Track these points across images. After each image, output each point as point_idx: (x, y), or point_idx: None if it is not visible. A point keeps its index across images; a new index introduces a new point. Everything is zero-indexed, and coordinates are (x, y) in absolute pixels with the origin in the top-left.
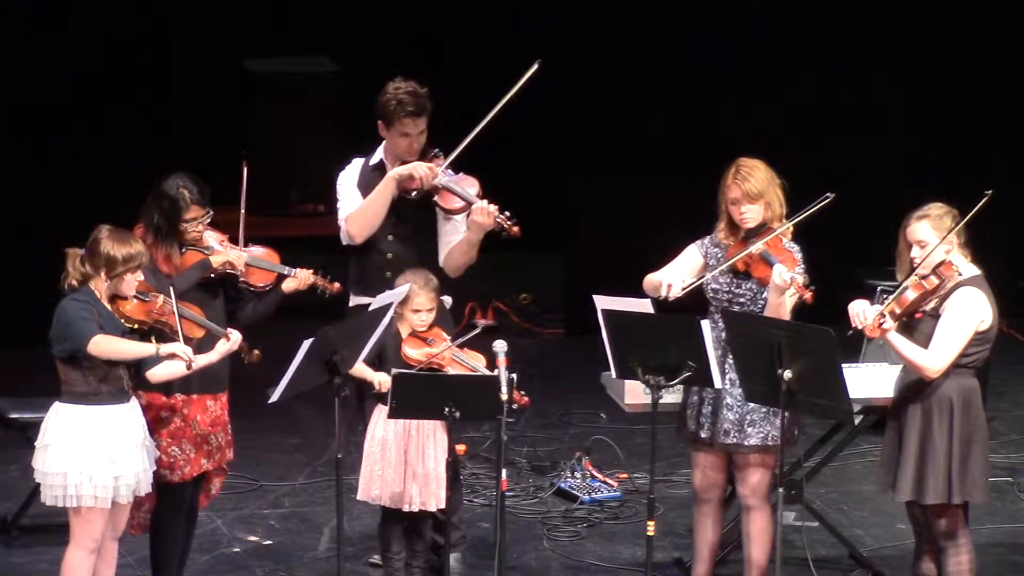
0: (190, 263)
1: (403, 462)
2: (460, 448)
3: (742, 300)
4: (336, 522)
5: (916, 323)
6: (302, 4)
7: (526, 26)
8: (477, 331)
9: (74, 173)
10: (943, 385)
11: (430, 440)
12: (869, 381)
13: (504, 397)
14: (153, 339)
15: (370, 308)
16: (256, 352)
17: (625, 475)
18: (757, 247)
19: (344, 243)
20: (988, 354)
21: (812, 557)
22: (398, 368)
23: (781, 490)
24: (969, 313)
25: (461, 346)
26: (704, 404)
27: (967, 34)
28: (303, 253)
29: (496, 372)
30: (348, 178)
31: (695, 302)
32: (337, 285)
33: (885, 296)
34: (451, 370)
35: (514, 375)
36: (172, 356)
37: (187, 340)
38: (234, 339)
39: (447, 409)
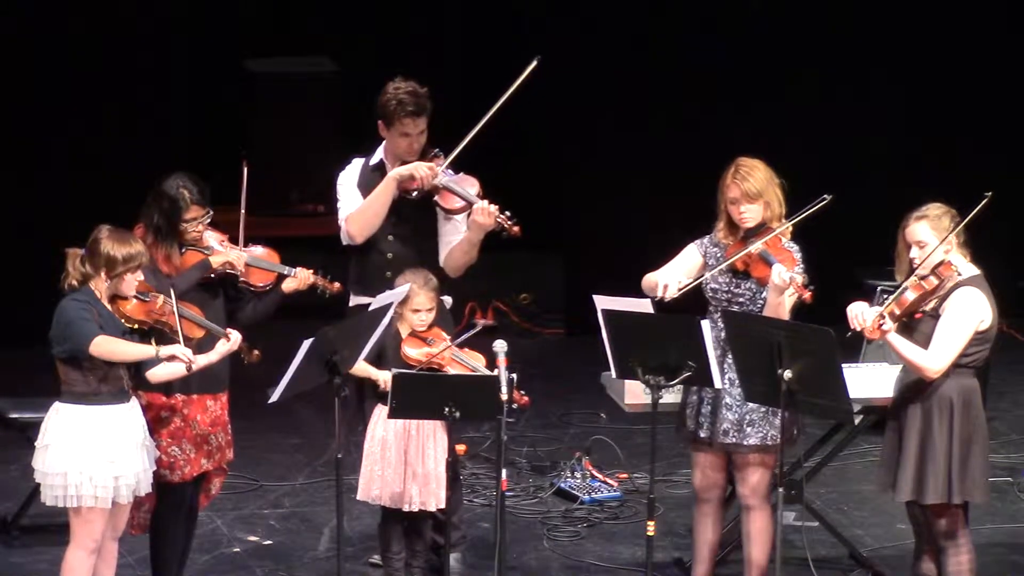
0: (190, 263)
1: (403, 462)
2: (460, 448)
3: (741, 300)
4: (336, 522)
5: (916, 323)
6: (302, 4)
7: (526, 26)
8: (477, 330)
9: (74, 173)
10: (943, 385)
11: (430, 440)
12: (869, 381)
13: (504, 397)
14: (153, 341)
15: (370, 308)
16: (256, 352)
17: (625, 475)
18: (756, 247)
19: (344, 243)
20: (988, 354)
21: (812, 557)
22: (398, 368)
23: (781, 490)
24: (969, 313)
25: (461, 346)
26: (703, 404)
27: (967, 34)
28: (303, 253)
29: (496, 372)
30: (348, 178)
31: (695, 302)
32: (337, 285)
33: (885, 296)
34: (451, 370)
35: (514, 375)
36: (172, 358)
37: (187, 340)
38: (234, 339)
39: (447, 409)
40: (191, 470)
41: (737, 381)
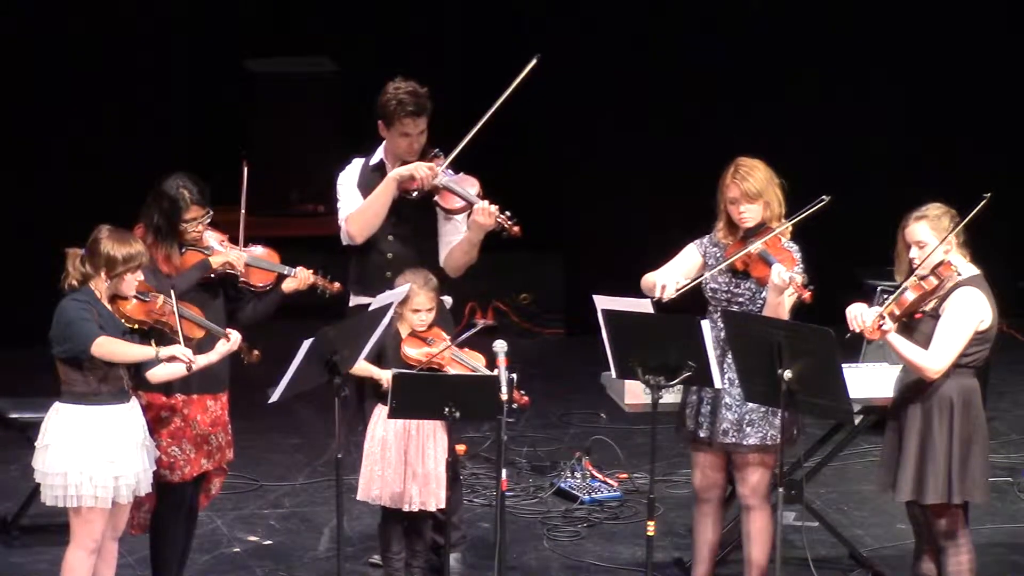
0: (190, 263)
1: (403, 462)
2: (460, 448)
3: (741, 300)
4: (336, 522)
5: (916, 324)
6: (302, 4)
7: (526, 26)
8: (476, 329)
9: (74, 173)
10: (943, 385)
11: (430, 440)
12: (869, 381)
13: (504, 397)
14: (153, 342)
15: (370, 308)
16: (256, 352)
17: (625, 475)
18: (756, 246)
19: (344, 243)
20: (988, 354)
21: (812, 557)
22: (398, 368)
23: (781, 490)
24: (969, 313)
25: (461, 346)
26: (703, 404)
27: (967, 34)
28: (303, 253)
29: (496, 372)
30: (348, 178)
31: (695, 302)
32: (337, 285)
33: (885, 296)
34: (451, 370)
35: (514, 375)
36: (172, 359)
37: (187, 340)
38: (234, 339)
39: (447, 409)
40: (191, 470)
41: (737, 381)
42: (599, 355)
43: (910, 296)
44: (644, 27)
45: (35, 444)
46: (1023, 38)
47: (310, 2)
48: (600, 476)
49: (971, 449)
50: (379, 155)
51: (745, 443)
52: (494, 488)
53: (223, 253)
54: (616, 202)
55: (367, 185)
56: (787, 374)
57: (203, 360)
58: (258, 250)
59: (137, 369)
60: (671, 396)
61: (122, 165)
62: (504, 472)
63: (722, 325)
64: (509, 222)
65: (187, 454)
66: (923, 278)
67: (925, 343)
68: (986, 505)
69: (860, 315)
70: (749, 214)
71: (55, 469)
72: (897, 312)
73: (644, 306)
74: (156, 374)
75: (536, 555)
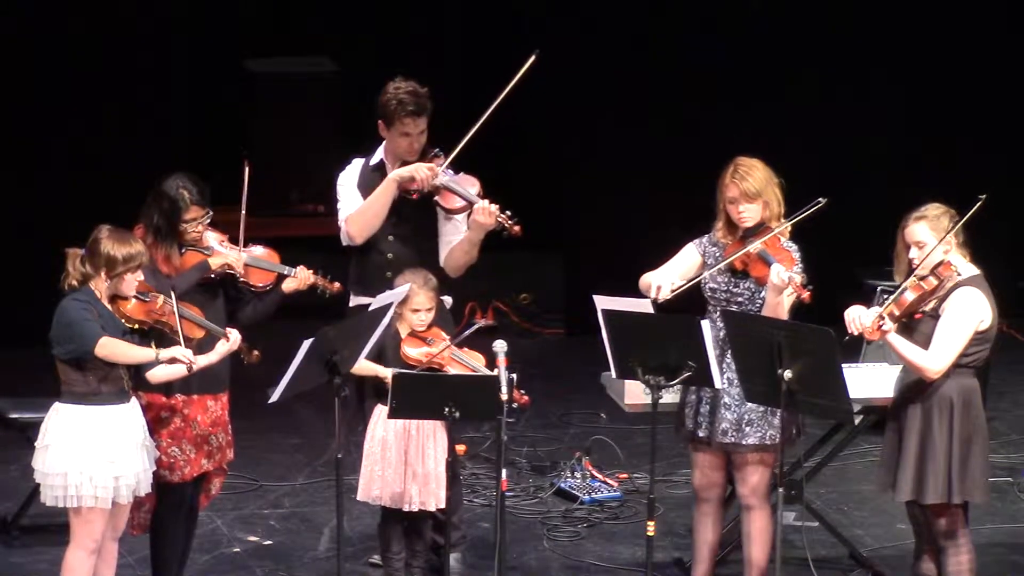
0: (190, 263)
1: (403, 462)
2: (460, 448)
3: (740, 299)
4: (336, 522)
5: (916, 324)
6: (302, 4)
7: (526, 26)
8: (476, 328)
9: (74, 173)
10: (943, 385)
11: (430, 440)
12: (869, 381)
13: (504, 397)
14: (153, 343)
15: (370, 308)
16: (256, 352)
17: (625, 475)
18: (755, 246)
19: (344, 243)
20: (988, 354)
21: (812, 557)
22: (398, 368)
23: (781, 490)
24: (969, 313)
25: (461, 346)
26: (702, 403)
27: (967, 34)
28: (303, 253)
29: (496, 372)
30: (348, 178)
31: (694, 302)
32: (337, 285)
33: (885, 296)
34: (451, 370)
35: (514, 375)
36: (173, 360)
37: (187, 340)
38: (234, 339)
39: (447, 409)
40: (191, 470)
41: (736, 381)
42: (599, 355)
43: (910, 296)
44: (644, 27)
45: (35, 444)
46: (1023, 38)
47: (310, 2)
48: (600, 476)
49: (971, 449)
50: (379, 155)
51: (744, 443)
52: (494, 488)
53: (223, 253)
54: (616, 201)
55: (367, 185)
56: (787, 374)
57: (203, 360)
58: (258, 250)
59: (137, 369)
60: (671, 396)
61: (122, 165)
62: (504, 472)
63: (721, 325)
64: (509, 222)
65: (187, 454)
66: (923, 278)
67: (925, 343)
68: (986, 505)
69: (858, 318)
70: (748, 214)
71: (55, 469)
72: (897, 312)
73: (644, 306)
74: (156, 375)
75: (536, 555)
